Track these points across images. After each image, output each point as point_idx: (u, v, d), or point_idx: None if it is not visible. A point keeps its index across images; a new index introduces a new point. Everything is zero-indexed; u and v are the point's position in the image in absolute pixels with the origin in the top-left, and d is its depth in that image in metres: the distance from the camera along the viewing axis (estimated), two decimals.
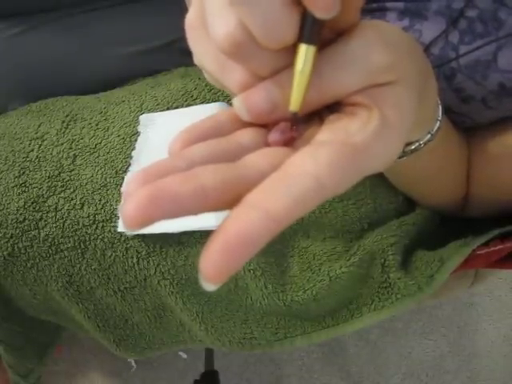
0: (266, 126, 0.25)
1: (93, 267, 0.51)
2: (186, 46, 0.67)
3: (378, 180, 0.53)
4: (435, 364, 1.20)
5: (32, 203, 0.51)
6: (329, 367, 1.20)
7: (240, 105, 0.24)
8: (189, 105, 0.55)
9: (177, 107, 0.55)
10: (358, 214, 0.53)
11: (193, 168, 0.20)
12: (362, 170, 0.22)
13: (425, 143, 0.41)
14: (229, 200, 0.20)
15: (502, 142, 0.48)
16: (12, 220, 0.51)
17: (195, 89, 0.57)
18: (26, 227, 0.51)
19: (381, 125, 0.22)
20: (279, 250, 0.52)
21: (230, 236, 0.17)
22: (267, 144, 0.25)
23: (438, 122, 0.41)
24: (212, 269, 0.17)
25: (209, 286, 0.17)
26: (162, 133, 0.53)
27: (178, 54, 0.65)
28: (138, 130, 0.53)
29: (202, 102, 0.55)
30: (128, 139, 0.53)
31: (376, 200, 0.54)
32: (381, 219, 0.54)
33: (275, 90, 0.23)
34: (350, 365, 1.20)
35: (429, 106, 0.38)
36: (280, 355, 1.19)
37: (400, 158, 0.44)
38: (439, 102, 0.41)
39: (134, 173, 0.20)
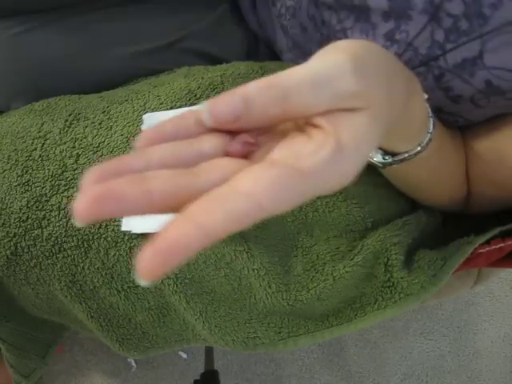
0: (231, 132, 0.26)
1: (96, 266, 0.51)
2: (189, 46, 0.67)
3: (382, 179, 0.53)
4: (435, 364, 1.20)
5: (35, 202, 0.51)
6: (329, 367, 1.20)
7: (205, 110, 0.25)
8: (192, 104, 0.55)
9: (180, 106, 0.55)
10: (362, 213, 0.53)
11: (148, 170, 0.22)
12: (307, 193, 0.22)
13: (415, 154, 0.42)
14: (174, 206, 0.21)
15: (494, 140, 0.49)
16: (15, 219, 0.51)
17: (198, 88, 0.57)
18: (28, 226, 0.50)
19: (333, 151, 0.23)
20: (283, 249, 0.52)
21: (162, 243, 0.19)
22: (227, 153, 0.25)
23: (429, 135, 0.42)
24: (144, 269, 0.19)
25: (141, 282, 0.19)
26: None
27: (181, 54, 0.65)
28: (142, 129, 0.53)
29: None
30: (131, 138, 0.53)
31: (379, 199, 0.54)
32: (384, 218, 0.54)
33: (240, 100, 0.24)
34: (350, 365, 1.20)
35: (414, 121, 0.38)
36: (280, 355, 1.19)
37: (388, 166, 0.45)
38: (431, 115, 0.42)
39: (93, 167, 0.22)
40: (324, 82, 0.24)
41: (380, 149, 0.44)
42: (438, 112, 0.46)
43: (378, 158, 0.44)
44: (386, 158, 0.44)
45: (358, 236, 0.53)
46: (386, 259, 0.49)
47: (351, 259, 0.50)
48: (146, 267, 0.19)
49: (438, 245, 0.52)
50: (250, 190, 0.21)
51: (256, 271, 0.50)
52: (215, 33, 0.67)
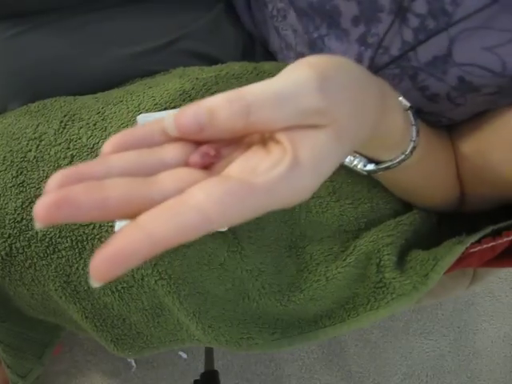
0: (197, 142, 0.26)
1: None
2: (185, 46, 0.67)
3: (376, 180, 0.53)
4: (435, 364, 1.20)
5: (30, 203, 0.51)
6: (329, 367, 1.20)
7: (170, 120, 0.25)
8: (186, 105, 0.55)
9: (174, 107, 0.55)
10: (355, 213, 0.53)
11: (109, 177, 0.23)
12: (259, 208, 0.23)
13: (399, 162, 0.42)
14: (130, 213, 0.22)
15: (478, 142, 0.49)
16: (10, 220, 0.51)
17: (193, 89, 0.57)
18: (23, 227, 0.51)
19: (289, 168, 0.23)
20: (276, 249, 0.52)
21: (111, 249, 0.20)
22: (188, 164, 0.26)
23: (412, 143, 0.42)
24: (94, 271, 0.20)
25: (92, 283, 0.20)
26: None
27: (177, 55, 0.65)
28: None
29: None
30: None
31: (373, 200, 0.54)
32: (378, 219, 0.54)
33: (205, 111, 0.24)
34: (350, 365, 1.20)
35: (393, 132, 0.39)
36: (280, 355, 1.19)
37: (373, 173, 0.45)
38: (413, 123, 0.42)
39: (57, 172, 0.23)
40: (287, 98, 0.24)
41: (364, 157, 0.44)
42: (419, 113, 0.46)
43: (361, 166, 0.45)
44: (370, 166, 0.44)
45: (352, 236, 0.53)
46: (378, 260, 0.49)
47: (344, 260, 0.50)
48: (96, 270, 0.20)
49: (432, 245, 0.52)
50: (200, 204, 0.21)
51: (249, 272, 0.50)
52: (211, 33, 0.67)
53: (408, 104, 0.43)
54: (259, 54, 0.70)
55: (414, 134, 0.42)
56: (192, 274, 0.50)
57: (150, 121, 0.54)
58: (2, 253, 0.51)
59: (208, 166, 0.26)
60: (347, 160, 0.45)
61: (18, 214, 0.51)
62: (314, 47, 0.56)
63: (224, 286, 0.51)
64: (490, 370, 1.20)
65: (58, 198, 0.21)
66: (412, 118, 0.43)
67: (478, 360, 1.20)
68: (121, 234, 0.21)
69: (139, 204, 0.22)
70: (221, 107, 0.24)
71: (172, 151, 0.26)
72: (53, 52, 0.61)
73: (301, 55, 0.62)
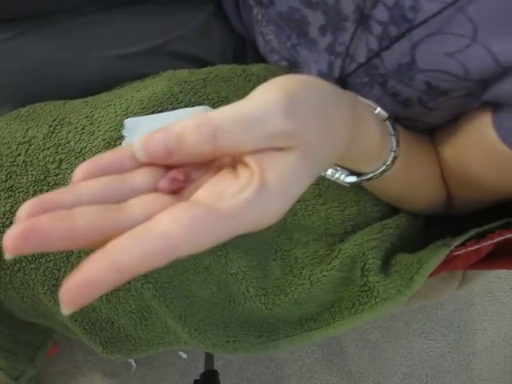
0: (168, 166, 0.27)
1: None
2: (175, 49, 0.67)
3: None
4: (435, 364, 1.20)
5: (18, 207, 0.51)
6: (329, 367, 1.20)
7: (139, 145, 0.25)
8: (174, 108, 0.55)
9: (162, 111, 0.55)
10: (342, 216, 0.53)
11: (79, 205, 0.23)
12: (226, 233, 0.23)
13: (381, 173, 0.42)
14: (99, 241, 0.22)
15: (455, 147, 0.49)
16: None
17: (181, 92, 0.57)
18: None
19: (256, 193, 0.23)
20: (262, 253, 0.52)
21: (80, 278, 0.20)
22: (157, 189, 0.26)
23: (393, 153, 0.42)
24: (64, 299, 0.20)
25: (64, 311, 0.21)
26: None
27: (167, 57, 0.66)
28: (123, 133, 0.54)
29: (187, 106, 0.56)
30: (113, 143, 0.53)
31: (360, 203, 0.54)
32: (365, 222, 0.54)
33: (173, 137, 0.24)
34: (350, 365, 1.20)
35: (369, 146, 0.39)
36: (280, 355, 1.19)
37: (357, 185, 0.46)
38: (392, 133, 0.42)
39: (29, 200, 0.24)
40: (253, 122, 0.24)
41: (345, 169, 0.44)
42: (395, 120, 0.46)
43: (343, 178, 0.45)
44: (352, 178, 0.44)
45: (338, 239, 0.53)
46: (362, 263, 0.49)
47: (329, 263, 0.50)
48: (66, 298, 0.20)
49: (418, 248, 0.51)
50: (166, 231, 0.21)
51: (234, 275, 0.50)
52: (201, 35, 0.67)
53: (386, 114, 0.43)
54: (250, 56, 0.70)
55: (394, 144, 0.42)
56: (178, 277, 0.50)
57: (136, 125, 0.54)
58: None
59: (177, 191, 0.26)
60: (328, 173, 0.45)
61: (7, 219, 0.51)
62: (291, 55, 0.57)
63: (210, 289, 0.51)
64: (489, 370, 1.19)
65: (25, 228, 0.21)
66: (391, 129, 0.43)
67: (478, 360, 1.20)
68: (89, 262, 0.21)
69: (108, 231, 0.23)
70: (188, 132, 0.24)
71: (141, 177, 0.26)
72: (42, 56, 0.62)
73: (286, 59, 0.62)
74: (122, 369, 1.17)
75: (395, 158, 0.42)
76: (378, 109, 0.43)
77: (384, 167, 0.42)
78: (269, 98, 0.25)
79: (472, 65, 0.40)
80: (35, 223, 0.21)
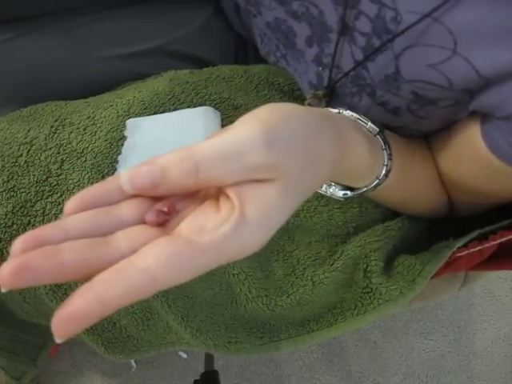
0: (152, 197, 0.28)
1: None
2: (176, 49, 0.67)
3: None
4: (435, 364, 1.20)
5: (20, 208, 0.52)
6: (329, 367, 1.20)
7: (126, 178, 0.26)
8: (176, 109, 0.55)
9: (163, 111, 0.55)
10: (344, 218, 0.53)
11: (68, 239, 0.25)
12: (208, 265, 0.24)
13: (374, 187, 0.43)
14: (86, 275, 0.24)
15: (450, 158, 0.49)
16: (0, 225, 0.51)
17: (182, 93, 0.57)
18: (14, 232, 0.51)
19: (235, 226, 0.24)
20: (264, 254, 0.52)
21: (66, 311, 0.21)
22: (144, 221, 0.27)
23: (385, 167, 0.42)
24: (55, 331, 0.22)
25: (56, 340, 0.22)
26: (147, 137, 0.53)
27: (168, 57, 0.66)
28: (125, 134, 0.54)
29: (189, 106, 0.56)
30: (115, 144, 0.53)
31: (362, 204, 0.54)
32: (367, 223, 0.54)
33: (158, 170, 0.25)
34: (350, 365, 1.20)
35: (359, 165, 0.39)
36: (280, 355, 1.19)
37: (350, 199, 0.47)
38: (384, 147, 0.42)
39: (23, 235, 0.24)
40: (233, 155, 0.25)
41: (339, 184, 0.45)
42: (387, 129, 0.46)
43: (336, 193, 0.45)
44: (346, 192, 0.45)
45: (340, 241, 0.53)
46: (365, 265, 0.49)
47: (331, 265, 0.50)
48: (56, 329, 0.22)
49: (421, 249, 0.51)
50: (147, 266, 0.23)
51: (236, 276, 0.50)
52: (202, 35, 0.67)
53: (377, 129, 0.43)
54: (251, 56, 0.70)
55: (386, 158, 0.43)
56: None
57: (138, 125, 0.54)
58: None
59: (162, 224, 0.27)
60: (322, 189, 0.45)
61: (9, 219, 0.51)
62: (282, 64, 0.57)
63: (212, 290, 0.51)
64: (489, 370, 1.19)
65: (18, 264, 0.22)
66: (382, 143, 0.43)
67: (478, 360, 1.20)
68: (76, 296, 0.22)
69: (95, 265, 0.24)
70: (172, 165, 0.25)
71: (128, 209, 0.27)
72: (43, 57, 0.62)
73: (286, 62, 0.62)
74: (122, 369, 1.17)
75: (388, 171, 0.43)
76: (369, 124, 0.43)
77: (377, 181, 0.42)
78: (248, 131, 0.26)
79: (454, 76, 0.39)
80: (26, 259, 0.22)
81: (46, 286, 0.52)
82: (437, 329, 1.22)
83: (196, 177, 0.25)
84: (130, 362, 1.16)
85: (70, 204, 0.27)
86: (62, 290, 0.53)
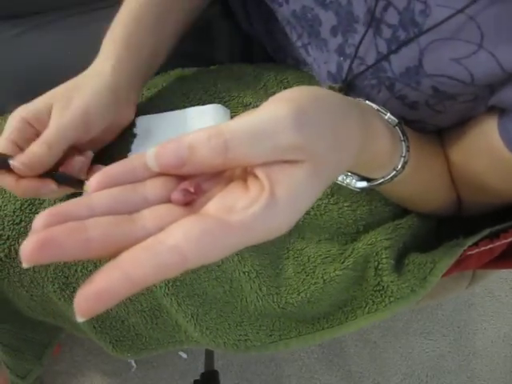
0: (179, 176, 0.27)
1: (89, 269, 0.51)
2: (182, 48, 0.67)
3: None
4: (435, 364, 1.20)
5: (28, 205, 0.51)
6: (329, 367, 1.20)
7: (152, 155, 0.26)
8: (185, 106, 0.55)
9: (172, 109, 0.55)
10: (354, 216, 0.53)
11: (93, 216, 0.24)
12: (235, 246, 0.24)
13: (391, 178, 0.43)
14: (111, 252, 0.23)
15: (463, 154, 0.49)
16: (8, 222, 0.51)
17: (191, 90, 0.57)
18: (22, 229, 0.51)
19: (265, 207, 0.24)
20: (274, 252, 0.52)
21: (91, 289, 0.21)
22: (170, 200, 0.27)
23: (403, 159, 0.42)
24: (78, 309, 0.21)
25: (78, 318, 0.21)
26: (157, 135, 0.53)
27: (175, 56, 0.65)
28: (135, 132, 0.54)
29: (198, 104, 0.56)
30: (125, 141, 0.53)
31: (372, 202, 0.54)
32: (376, 221, 0.54)
33: (185, 148, 0.25)
34: (350, 365, 1.20)
35: (379, 154, 0.39)
36: (280, 355, 1.19)
37: (367, 190, 0.46)
38: (402, 139, 0.43)
39: (45, 210, 0.24)
40: (264, 135, 0.25)
41: (356, 175, 0.45)
42: (404, 122, 0.46)
43: (354, 184, 0.45)
44: (362, 183, 0.45)
45: (350, 239, 0.53)
46: (376, 263, 0.49)
47: (342, 262, 0.50)
48: (79, 307, 0.21)
49: (431, 247, 0.52)
50: (177, 243, 0.22)
51: (247, 274, 0.50)
52: (209, 34, 0.67)
53: (396, 120, 0.43)
54: (258, 54, 0.70)
55: (404, 149, 0.43)
56: (190, 275, 0.50)
57: (148, 123, 0.54)
58: (1, 254, 0.51)
59: (188, 204, 0.27)
60: (339, 178, 0.45)
61: (17, 216, 0.51)
62: (299, 54, 0.56)
63: (222, 287, 0.51)
64: (490, 370, 1.20)
65: (43, 239, 0.21)
66: (401, 134, 0.43)
67: (478, 360, 1.20)
68: (102, 273, 0.21)
69: (120, 242, 0.23)
70: (200, 143, 0.25)
71: (153, 188, 0.27)
72: (50, 53, 0.61)
73: (291, 58, 0.62)
74: (122, 369, 1.16)
75: (405, 163, 0.43)
76: (388, 114, 0.44)
77: (394, 172, 0.42)
78: (279, 111, 0.26)
79: (478, 71, 0.40)
80: (51, 234, 0.22)
81: (54, 284, 0.52)
82: (437, 329, 1.22)
83: (225, 155, 0.24)
84: (130, 362, 1.16)
85: (94, 180, 0.26)
86: (70, 289, 0.53)
